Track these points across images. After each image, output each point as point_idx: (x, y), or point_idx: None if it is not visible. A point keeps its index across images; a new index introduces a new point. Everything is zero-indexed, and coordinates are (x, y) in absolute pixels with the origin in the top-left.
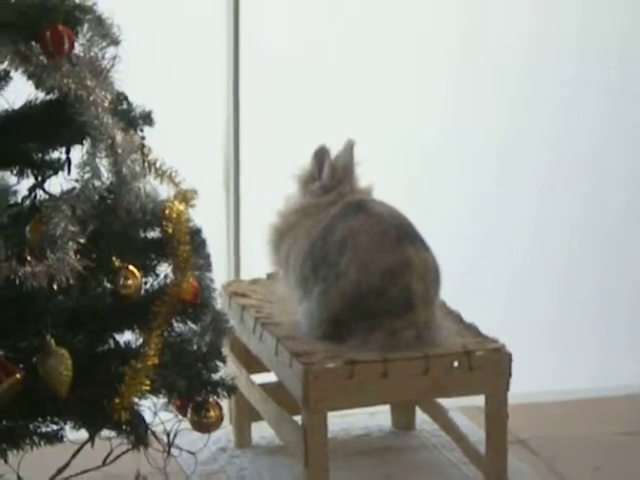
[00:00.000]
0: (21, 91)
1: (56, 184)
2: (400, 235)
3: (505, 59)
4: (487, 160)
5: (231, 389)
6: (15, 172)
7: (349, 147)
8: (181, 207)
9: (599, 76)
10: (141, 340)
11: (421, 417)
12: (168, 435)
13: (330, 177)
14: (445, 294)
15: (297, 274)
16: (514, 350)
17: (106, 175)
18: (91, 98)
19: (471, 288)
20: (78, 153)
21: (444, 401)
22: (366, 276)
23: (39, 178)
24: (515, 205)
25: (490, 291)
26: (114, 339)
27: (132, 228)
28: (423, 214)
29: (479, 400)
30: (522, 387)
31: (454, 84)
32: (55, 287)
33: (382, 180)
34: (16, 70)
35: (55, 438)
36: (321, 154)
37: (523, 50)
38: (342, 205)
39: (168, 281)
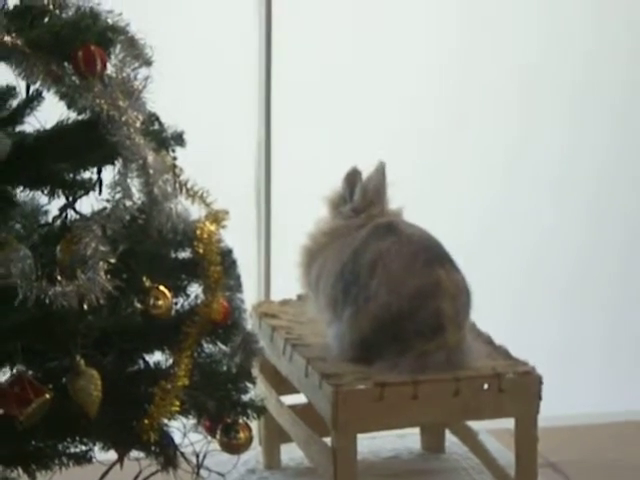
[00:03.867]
0: (53, 111)
1: (87, 204)
2: (430, 257)
3: (517, 62)
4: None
5: (260, 410)
6: (46, 192)
7: (380, 169)
8: (212, 228)
9: (610, 76)
10: (171, 361)
11: (451, 440)
12: (197, 456)
13: (361, 199)
14: None
15: (327, 296)
16: (546, 373)
17: (137, 195)
18: (123, 118)
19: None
20: (109, 173)
21: (474, 424)
22: (396, 299)
23: (70, 198)
24: (520, 218)
25: (496, 309)
26: (144, 359)
27: (163, 248)
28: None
29: (509, 423)
30: (553, 410)
31: (485, 105)
32: (85, 307)
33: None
34: (48, 90)
35: (84, 459)
36: (353, 176)
37: (534, 52)
38: (372, 227)
39: (198, 302)
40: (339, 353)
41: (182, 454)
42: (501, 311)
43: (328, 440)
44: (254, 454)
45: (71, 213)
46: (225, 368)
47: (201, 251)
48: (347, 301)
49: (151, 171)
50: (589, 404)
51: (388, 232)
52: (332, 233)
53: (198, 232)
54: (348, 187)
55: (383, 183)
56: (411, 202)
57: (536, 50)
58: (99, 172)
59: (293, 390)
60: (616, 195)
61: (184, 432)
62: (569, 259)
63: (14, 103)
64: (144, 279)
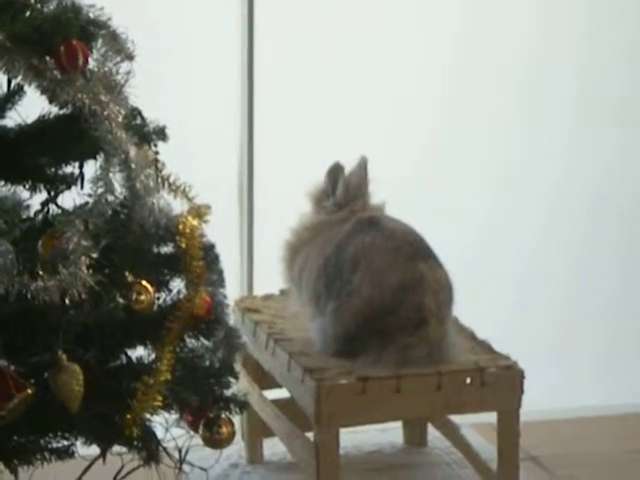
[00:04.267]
0: (35, 106)
1: (69, 199)
2: (413, 252)
3: (515, 57)
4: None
5: (243, 405)
6: (28, 187)
7: (362, 164)
8: (194, 222)
9: (612, 73)
10: (153, 356)
11: (433, 434)
12: (180, 451)
13: (344, 194)
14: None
15: (310, 290)
16: (525, 367)
17: (119, 190)
18: (105, 113)
19: (473, 301)
20: (91, 168)
21: (456, 418)
22: (379, 293)
23: (52, 193)
24: (519, 219)
25: (496, 306)
26: (126, 354)
27: (145, 243)
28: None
29: (491, 417)
30: (534, 404)
31: (468, 101)
32: (67, 302)
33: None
34: (30, 84)
35: (66, 454)
36: (335, 171)
37: (533, 49)
38: (355, 222)
39: (181, 296)
40: (322, 347)
41: (164, 449)
42: (499, 308)
43: (311, 435)
44: (237, 449)
45: (53, 208)
46: (208, 363)
47: (183, 246)
48: (330, 295)
49: (133, 165)
50: (580, 399)
51: (370, 227)
52: (315, 228)
53: (180, 227)
54: (330, 182)
55: (365, 178)
56: (394, 199)
57: (536, 50)
58: (81, 167)
59: (276, 385)
60: (613, 195)
61: (166, 427)
62: (568, 258)
63: None
64: (126, 274)
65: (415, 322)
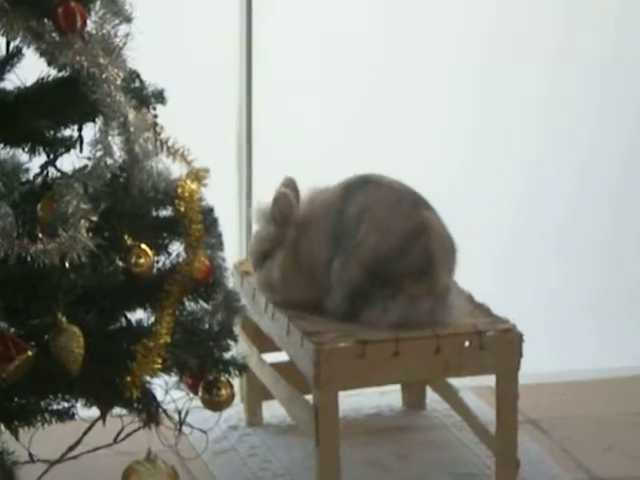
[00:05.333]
0: (33, 68)
1: (68, 162)
2: (415, 200)
3: (537, 60)
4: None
5: (242, 368)
6: (27, 150)
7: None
8: (193, 186)
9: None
10: (153, 318)
11: (432, 397)
12: (179, 413)
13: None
14: None
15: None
16: (524, 330)
17: (118, 153)
18: (103, 76)
19: (466, 263)
20: (90, 131)
21: (455, 381)
22: (386, 240)
23: (51, 156)
24: (509, 179)
25: (494, 272)
26: (126, 317)
27: (144, 206)
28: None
29: (490, 380)
30: (533, 367)
31: (471, 88)
32: (67, 265)
33: None
34: (28, 47)
35: (66, 415)
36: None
37: (555, 53)
38: (343, 187)
39: (180, 260)
40: (330, 310)
41: (164, 411)
42: (488, 266)
43: (310, 397)
44: (236, 411)
45: (52, 171)
46: (207, 326)
47: (182, 209)
48: (336, 253)
49: (132, 129)
50: (576, 362)
51: (366, 184)
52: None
53: (179, 190)
54: (280, 213)
55: (289, 204)
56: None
57: (559, 54)
58: (80, 130)
59: (275, 348)
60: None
61: (166, 389)
62: (563, 222)
63: None
64: (126, 237)
65: (422, 267)
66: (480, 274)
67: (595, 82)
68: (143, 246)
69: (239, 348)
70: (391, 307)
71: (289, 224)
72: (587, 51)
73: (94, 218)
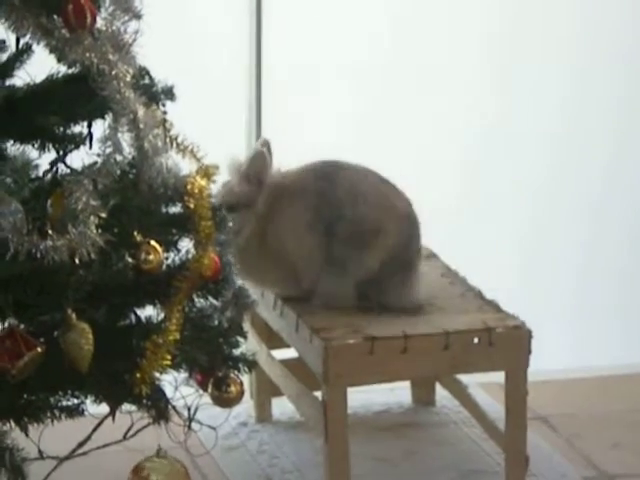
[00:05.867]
0: (43, 65)
1: (78, 158)
2: (390, 183)
3: (554, 60)
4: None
5: (252, 364)
6: (37, 146)
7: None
8: (203, 182)
9: None
10: (162, 315)
11: (441, 393)
12: (189, 410)
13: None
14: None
15: (306, 248)
16: (534, 326)
17: (128, 150)
18: (113, 72)
19: (486, 261)
20: (100, 127)
21: (464, 377)
22: (406, 225)
23: (61, 152)
24: (526, 175)
25: (507, 266)
26: (135, 314)
27: (154, 203)
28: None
29: (499, 377)
30: (542, 364)
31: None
32: (76, 261)
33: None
34: (38, 43)
35: (76, 412)
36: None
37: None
38: (312, 171)
39: (189, 256)
40: (340, 300)
41: (174, 407)
42: (504, 264)
43: (319, 394)
44: (245, 408)
45: (62, 167)
46: (216, 322)
47: (192, 206)
48: (333, 241)
49: (141, 125)
50: (589, 359)
51: (338, 167)
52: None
53: (189, 187)
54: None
55: (264, 164)
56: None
57: (579, 63)
58: (89, 126)
59: (284, 344)
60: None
61: (176, 386)
62: (584, 223)
63: (4, 57)
64: (135, 234)
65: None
66: (496, 271)
67: (614, 84)
68: (152, 243)
69: (248, 345)
70: (407, 287)
71: (261, 186)
72: (605, 52)
73: (103, 214)
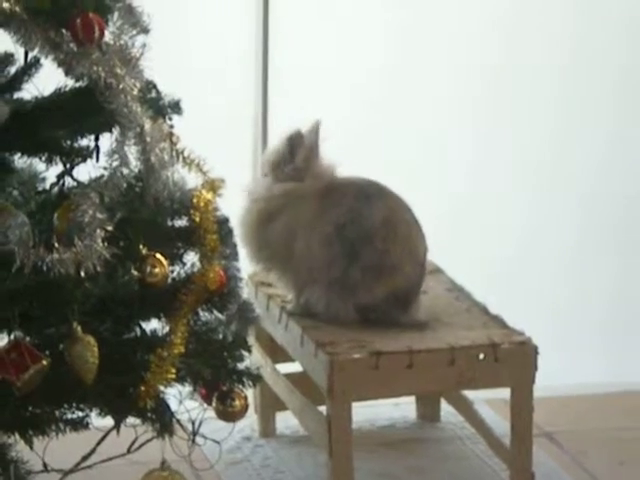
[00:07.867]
0: (51, 78)
1: (84, 172)
2: (417, 221)
3: (552, 62)
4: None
5: (256, 378)
6: (44, 159)
7: (315, 128)
8: (209, 196)
9: None
10: (167, 328)
11: (446, 409)
12: (193, 423)
13: (304, 160)
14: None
15: (313, 257)
16: (539, 343)
17: (134, 163)
18: (120, 86)
19: (485, 280)
20: (107, 141)
21: (469, 393)
22: (418, 269)
23: (67, 165)
24: (526, 177)
25: (507, 284)
26: (140, 327)
27: (160, 216)
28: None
29: (504, 393)
30: (548, 380)
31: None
32: (82, 274)
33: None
34: (46, 57)
35: (80, 425)
36: (296, 138)
37: (569, 61)
38: (356, 190)
39: (195, 270)
40: (339, 314)
41: (178, 421)
42: (499, 277)
43: (323, 408)
44: (250, 422)
45: (68, 180)
46: (221, 336)
47: (198, 219)
48: (353, 264)
49: (148, 139)
50: (587, 374)
51: (381, 193)
52: (287, 195)
53: (195, 200)
54: (290, 148)
55: (317, 142)
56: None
57: (574, 60)
58: (96, 139)
59: (289, 358)
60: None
61: (180, 399)
62: (575, 236)
63: (12, 70)
64: (141, 247)
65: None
66: (492, 285)
67: (610, 86)
68: (158, 256)
69: (253, 359)
70: (406, 315)
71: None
72: (601, 55)
73: (110, 227)
